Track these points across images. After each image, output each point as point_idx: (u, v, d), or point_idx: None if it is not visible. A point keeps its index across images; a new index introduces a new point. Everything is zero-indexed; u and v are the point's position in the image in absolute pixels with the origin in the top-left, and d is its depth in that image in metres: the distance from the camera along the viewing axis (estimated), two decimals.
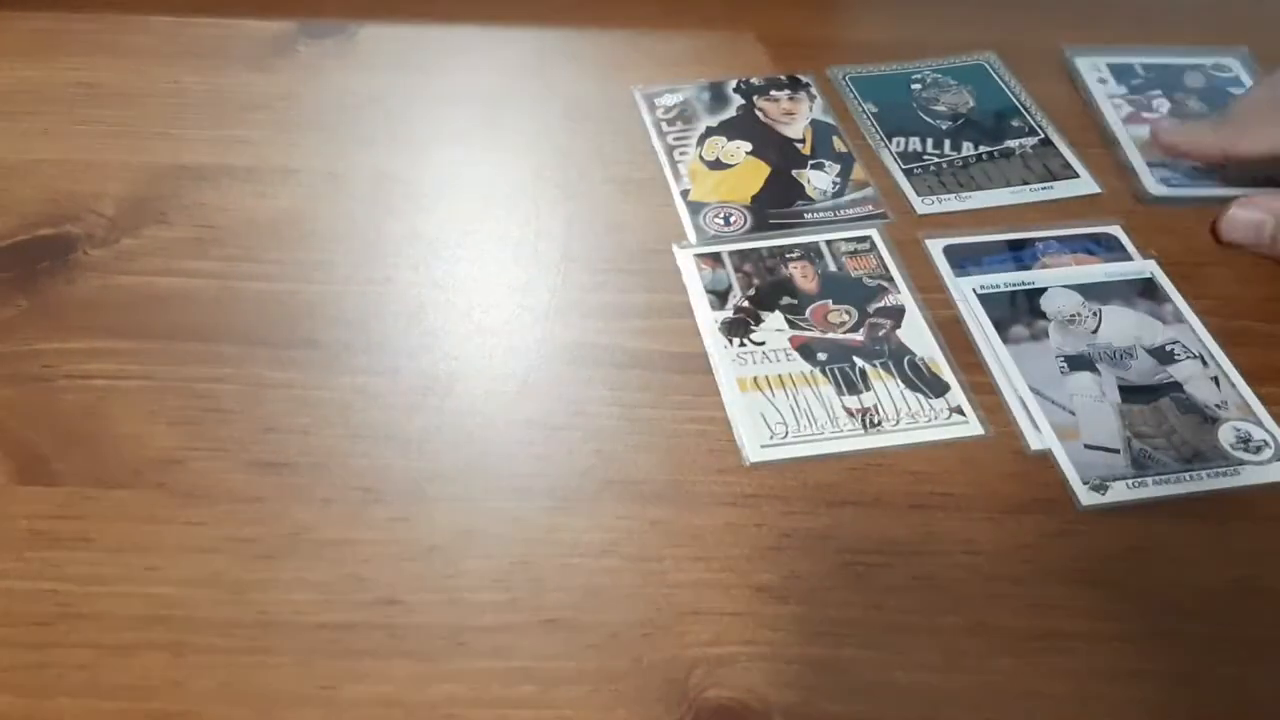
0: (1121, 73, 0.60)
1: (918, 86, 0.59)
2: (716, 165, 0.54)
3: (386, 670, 0.35)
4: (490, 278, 0.48)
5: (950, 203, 0.52)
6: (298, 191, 0.52)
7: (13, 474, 0.40)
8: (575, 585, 0.37)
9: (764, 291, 0.47)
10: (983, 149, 0.55)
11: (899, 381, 0.44)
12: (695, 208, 0.52)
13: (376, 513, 0.39)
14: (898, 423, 0.42)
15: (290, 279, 0.47)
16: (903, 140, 0.55)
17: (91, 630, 0.36)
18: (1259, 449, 0.41)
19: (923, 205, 0.52)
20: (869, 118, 0.57)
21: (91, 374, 0.43)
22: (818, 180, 0.53)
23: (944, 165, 0.54)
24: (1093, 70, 0.60)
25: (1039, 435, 0.42)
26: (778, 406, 0.43)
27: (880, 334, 0.46)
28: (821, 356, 0.45)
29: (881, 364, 0.44)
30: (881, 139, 0.55)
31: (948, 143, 0.55)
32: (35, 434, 0.41)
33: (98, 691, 0.34)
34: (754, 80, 0.59)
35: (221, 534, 0.38)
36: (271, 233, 0.49)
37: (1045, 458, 0.41)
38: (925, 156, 0.54)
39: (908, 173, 0.53)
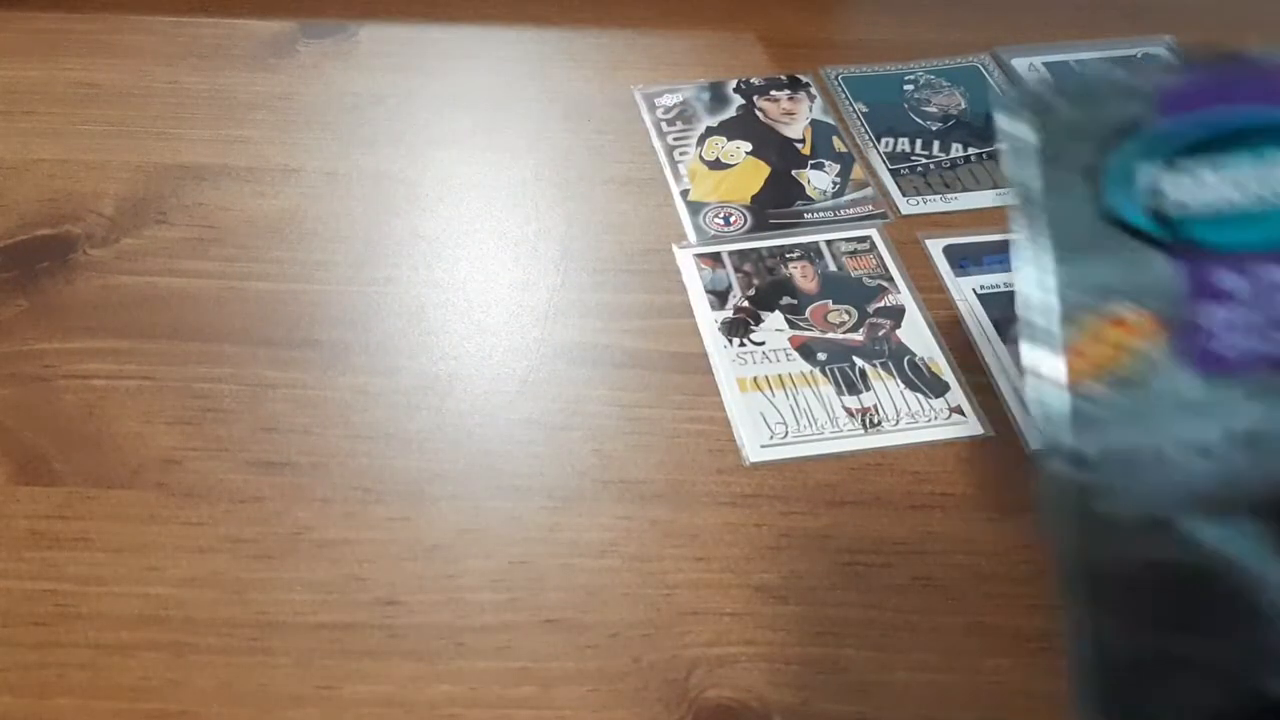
0: (1059, 71, 0.59)
1: (910, 87, 0.59)
2: (716, 165, 0.54)
3: (386, 670, 0.35)
4: (490, 278, 0.48)
5: (935, 203, 0.52)
6: (298, 191, 0.52)
7: (12, 474, 0.40)
8: (575, 585, 0.37)
9: (764, 291, 0.47)
10: (972, 150, 0.55)
11: (899, 381, 0.44)
12: (695, 208, 0.51)
13: (376, 512, 0.39)
14: (898, 423, 0.42)
15: (290, 279, 0.47)
16: (891, 140, 0.55)
17: (90, 630, 0.36)
18: None
19: (908, 205, 0.52)
20: (859, 118, 0.57)
21: (91, 374, 0.43)
22: (817, 180, 0.53)
23: (931, 166, 0.54)
24: (1031, 71, 0.59)
25: (1039, 435, 0.42)
26: (777, 406, 0.43)
27: (880, 334, 0.46)
28: (821, 356, 0.45)
29: (881, 364, 0.44)
30: (870, 139, 0.55)
31: (937, 144, 0.55)
32: (35, 434, 0.41)
33: (97, 692, 0.34)
34: (754, 80, 0.59)
35: (221, 534, 0.38)
36: (271, 233, 0.49)
37: None
38: (914, 157, 0.54)
39: (894, 173, 0.53)
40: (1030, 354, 0.19)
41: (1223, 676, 0.20)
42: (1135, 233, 0.20)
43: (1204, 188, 0.20)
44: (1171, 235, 0.20)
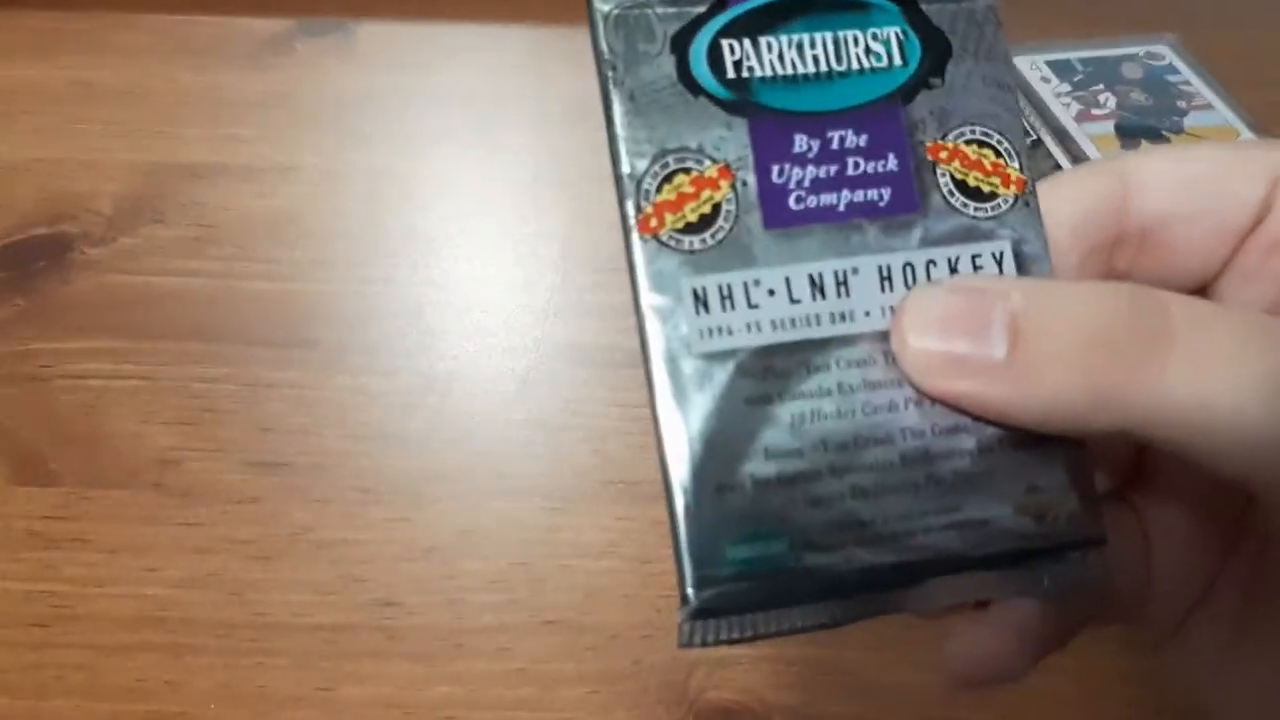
0: (1062, 69, 0.59)
1: None
2: None
3: (385, 672, 0.35)
4: (489, 277, 0.48)
5: None
6: (295, 190, 0.51)
7: (9, 474, 0.40)
8: (575, 586, 0.37)
9: None
10: None
11: None
12: None
13: (374, 513, 0.39)
14: None
15: (288, 278, 0.47)
16: None
17: (88, 631, 0.36)
18: None
19: None
20: None
21: (88, 374, 0.43)
22: None
23: None
24: (1033, 70, 0.59)
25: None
26: None
27: None
28: None
29: None
30: None
31: None
32: (31, 434, 0.41)
33: (95, 693, 0.34)
34: None
35: (219, 535, 0.38)
36: (269, 232, 0.49)
37: None
38: None
39: None
40: (621, 211, 0.22)
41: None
42: (713, 99, 0.22)
43: (773, 55, 0.22)
44: (747, 99, 0.22)
